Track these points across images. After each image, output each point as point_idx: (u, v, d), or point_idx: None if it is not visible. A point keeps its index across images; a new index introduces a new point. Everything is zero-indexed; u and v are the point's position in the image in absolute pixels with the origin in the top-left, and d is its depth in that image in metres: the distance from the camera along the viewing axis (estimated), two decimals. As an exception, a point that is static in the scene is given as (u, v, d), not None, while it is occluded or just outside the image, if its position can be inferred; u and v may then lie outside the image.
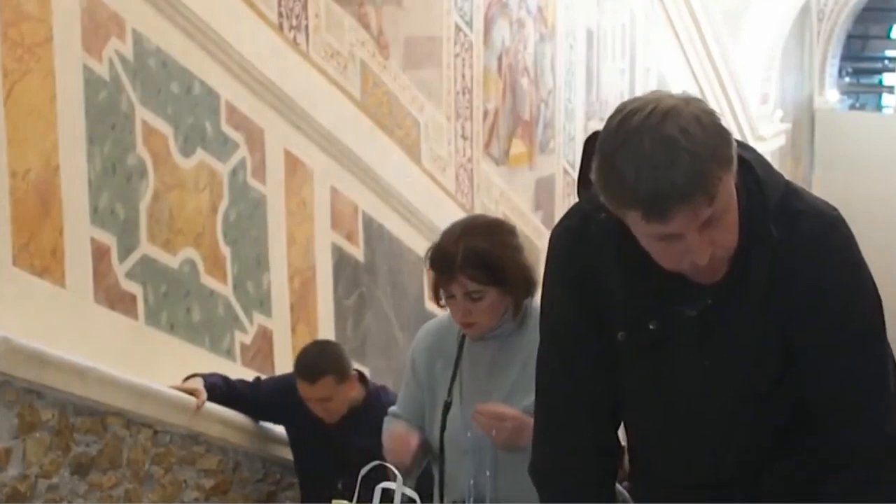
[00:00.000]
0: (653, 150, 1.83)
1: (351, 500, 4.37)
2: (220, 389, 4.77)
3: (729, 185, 1.90)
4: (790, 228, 2.00)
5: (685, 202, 1.83)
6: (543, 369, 2.25)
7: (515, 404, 3.00)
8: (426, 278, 7.45)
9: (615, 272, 2.05)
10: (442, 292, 3.07)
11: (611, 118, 1.92)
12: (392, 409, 3.33)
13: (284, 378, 4.92)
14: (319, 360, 4.69)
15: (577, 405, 2.17)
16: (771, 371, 2.05)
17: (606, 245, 2.04)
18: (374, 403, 4.66)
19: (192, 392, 4.61)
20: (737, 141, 1.96)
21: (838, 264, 2.03)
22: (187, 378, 4.72)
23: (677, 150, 1.83)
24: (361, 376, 4.88)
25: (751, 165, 2.01)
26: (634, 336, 2.08)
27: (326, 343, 5.01)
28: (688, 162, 1.83)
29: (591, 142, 1.99)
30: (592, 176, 1.91)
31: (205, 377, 4.75)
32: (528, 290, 3.06)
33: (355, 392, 4.75)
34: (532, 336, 3.01)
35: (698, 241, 1.90)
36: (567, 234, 2.16)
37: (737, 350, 2.04)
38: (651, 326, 2.06)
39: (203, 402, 4.62)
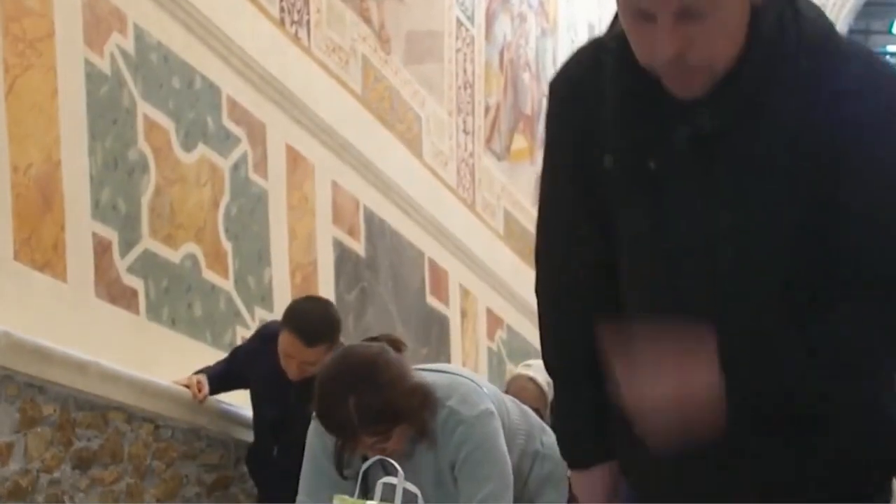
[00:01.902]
0: None
1: (280, 463, 4.27)
2: (220, 375, 4.69)
3: None
4: (829, 68, 1.74)
5: None
6: (540, 197, 2.04)
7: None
8: (427, 273, 7.47)
9: (615, 100, 1.82)
10: (348, 448, 2.99)
11: None
12: (302, 500, 3.14)
13: (257, 335, 4.77)
14: (323, 325, 4.38)
15: (568, 226, 1.97)
16: (784, 224, 1.75)
17: (612, 74, 1.82)
18: None
19: (192, 384, 4.57)
20: None
21: (885, 108, 1.74)
22: (196, 374, 4.66)
23: None
24: None
25: None
26: (626, 169, 1.83)
27: (328, 305, 4.65)
28: None
29: None
30: None
31: (208, 371, 4.68)
32: (428, 407, 2.97)
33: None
34: (442, 452, 2.98)
35: (669, 28, 1.67)
36: (573, 66, 1.98)
37: (745, 197, 1.75)
38: (648, 162, 1.80)
39: (205, 396, 4.58)
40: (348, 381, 2.90)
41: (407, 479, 2.92)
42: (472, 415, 3.01)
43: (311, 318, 4.36)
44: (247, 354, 4.68)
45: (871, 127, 1.73)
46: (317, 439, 3.12)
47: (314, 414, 3.03)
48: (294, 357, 4.34)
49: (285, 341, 4.33)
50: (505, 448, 3.03)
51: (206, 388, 4.60)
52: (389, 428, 2.91)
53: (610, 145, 1.84)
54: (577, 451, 2.04)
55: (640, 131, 1.81)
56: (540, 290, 2.05)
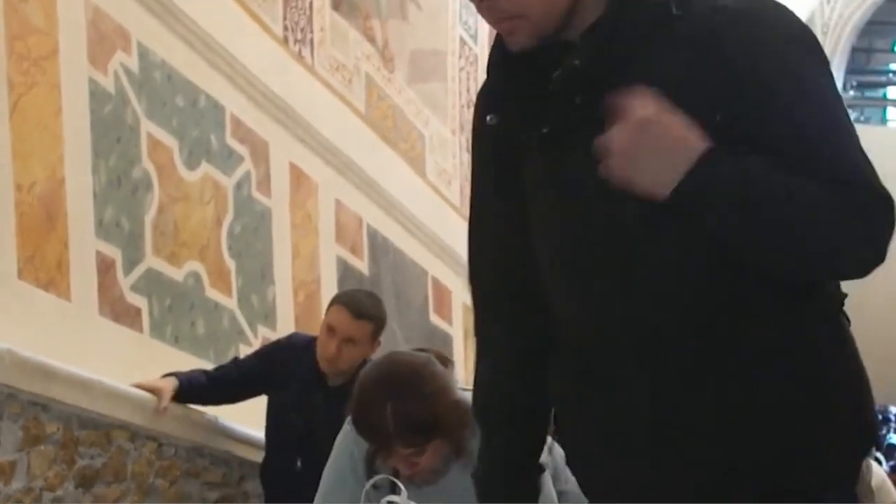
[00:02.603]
0: None
1: (305, 475, 4.21)
2: (201, 382, 4.53)
3: None
4: (702, 10, 1.70)
5: None
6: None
7: None
8: (430, 291, 7.47)
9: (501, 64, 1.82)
10: (381, 456, 2.88)
11: None
12: None
13: (279, 342, 4.72)
14: (373, 304, 4.47)
15: (491, 267, 1.94)
16: None
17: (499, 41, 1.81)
18: None
19: (154, 391, 4.39)
20: None
21: (773, 28, 1.69)
22: (164, 376, 4.50)
23: None
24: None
25: None
26: (519, 128, 1.80)
27: (379, 298, 4.73)
28: None
29: None
30: None
31: (180, 376, 4.52)
32: (465, 423, 2.80)
33: (368, 356, 4.37)
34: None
35: None
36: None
37: None
38: (542, 128, 1.75)
39: (166, 404, 4.46)
40: (389, 387, 2.78)
41: (438, 498, 2.88)
42: None
43: (361, 296, 4.54)
44: (270, 355, 4.61)
45: (764, 47, 1.69)
46: (345, 445, 3.03)
47: (349, 418, 2.93)
48: (338, 332, 4.31)
49: (332, 315, 4.37)
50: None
51: (166, 397, 4.41)
52: (425, 440, 2.80)
53: (497, 105, 1.83)
54: (491, 488, 2.00)
55: (525, 90, 1.79)
56: (477, 331, 2.03)
